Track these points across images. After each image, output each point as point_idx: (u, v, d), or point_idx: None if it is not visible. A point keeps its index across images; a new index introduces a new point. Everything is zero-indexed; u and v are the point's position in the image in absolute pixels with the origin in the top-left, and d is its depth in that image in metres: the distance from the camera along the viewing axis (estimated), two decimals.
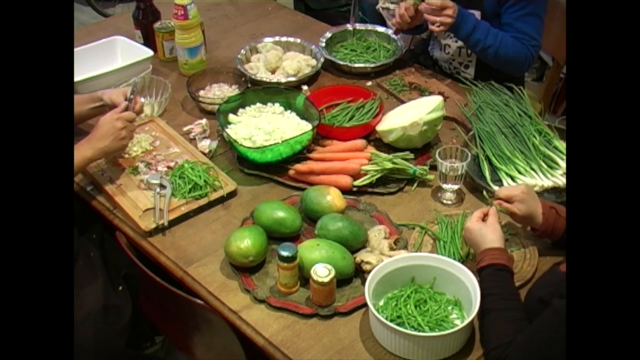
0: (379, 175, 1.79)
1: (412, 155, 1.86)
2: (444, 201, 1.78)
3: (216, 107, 1.97)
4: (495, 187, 1.74)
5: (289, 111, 2.01)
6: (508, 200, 1.54)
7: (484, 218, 1.52)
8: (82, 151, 1.69)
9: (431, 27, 2.12)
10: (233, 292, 1.53)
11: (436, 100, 1.92)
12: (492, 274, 1.41)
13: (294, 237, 1.65)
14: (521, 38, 2.14)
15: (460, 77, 2.28)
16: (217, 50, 2.46)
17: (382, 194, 1.80)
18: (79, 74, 2.04)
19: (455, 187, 1.76)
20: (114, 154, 1.80)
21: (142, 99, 2.13)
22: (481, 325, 1.37)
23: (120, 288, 1.86)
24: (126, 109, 1.78)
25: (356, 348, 1.41)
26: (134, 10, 2.40)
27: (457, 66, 2.34)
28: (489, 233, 1.47)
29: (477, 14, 2.17)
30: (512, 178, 1.79)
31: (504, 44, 2.12)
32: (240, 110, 2.01)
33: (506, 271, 1.41)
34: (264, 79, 2.20)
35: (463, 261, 1.55)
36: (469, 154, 1.76)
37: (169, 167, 1.84)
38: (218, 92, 2.18)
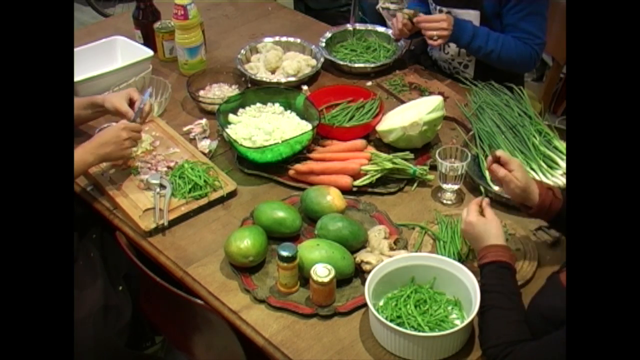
0: (379, 175, 1.79)
1: (412, 155, 1.86)
2: (444, 201, 1.78)
3: (216, 107, 1.97)
4: (496, 187, 1.74)
5: (289, 111, 2.01)
6: (506, 165, 1.50)
7: (481, 212, 1.50)
8: (84, 156, 1.69)
9: (429, 41, 2.15)
10: (233, 292, 1.53)
11: (436, 100, 1.92)
12: (496, 271, 1.40)
13: (294, 237, 1.65)
14: (526, 38, 2.14)
15: (460, 77, 2.28)
16: (217, 50, 2.46)
17: (382, 194, 1.80)
18: (79, 74, 2.03)
19: (455, 187, 1.76)
20: (115, 160, 1.80)
21: None
22: (481, 321, 1.37)
23: (120, 288, 1.86)
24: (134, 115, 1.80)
25: (356, 348, 1.41)
26: (134, 10, 2.40)
27: (456, 66, 2.35)
28: (492, 228, 1.45)
29: (476, 14, 2.17)
30: None
31: (506, 46, 2.13)
32: (240, 110, 2.01)
33: (509, 269, 1.41)
34: (264, 79, 2.20)
35: (463, 261, 1.55)
36: (469, 154, 1.76)
37: (169, 167, 1.84)
38: (218, 92, 2.18)
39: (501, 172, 1.49)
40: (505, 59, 2.14)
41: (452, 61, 2.34)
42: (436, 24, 2.12)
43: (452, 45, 2.30)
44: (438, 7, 2.25)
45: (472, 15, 2.18)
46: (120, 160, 1.82)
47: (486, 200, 1.51)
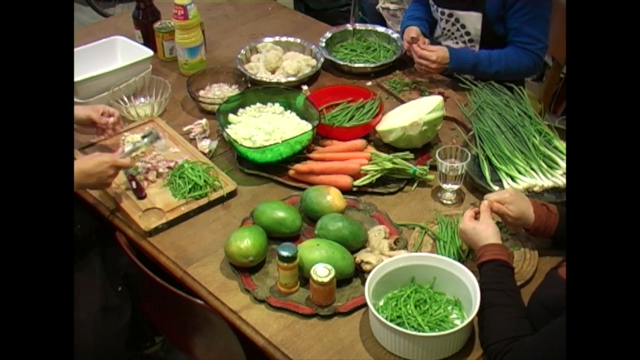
0: (379, 175, 1.79)
1: (412, 155, 1.86)
2: (444, 201, 1.78)
3: (216, 107, 1.97)
4: (496, 187, 1.74)
5: (289, 111, 2.01)
6: (501, 203, 1.54)
7: (476, 216, 1.52)
8: None
9: (418, 68, 2.18)
10: (233, 292, 1.53)
11: (436, 100, 1.92)
12: (494, 269, 1.41)
13: (294, 237, 1.65)
14: (528, 43, 2.14)
15: (460, 77, 2.28)
16: (217, 50, 2.47)
17: (382, 194, 1.80)
18: (79, 74, 2.03)
19: (455, 187, 1.76)
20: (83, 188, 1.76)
21: (142, 99, 2.14)
22: (481, 319, 1.37)
23: (120, 288, 1.86)
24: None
25: (356, 348, 1.41)
26: (134, 10, 2.40)
27: None
28: (482, 230, 1.47)
29: (478, 16, 2.17)
30: (512, 178, 1.79)
31: (510, 62, 2.15)
32: (240, 110, 2.01)
33: (507, 267, 1.42)
34: (264, 79, 2.20)
35: (463, 261, 1.55)
36: (469, 154, 1.76)
37: (169, 167, 1.84)
38: (218, 92, 2.18)
39: (495, 207, 1.54)
40: (510, 72, 2.18)
41: None
42: (425, 61, 2.15)
43: (453, 46, 2.30)
44: (439, 9, 2.25)
45: (474, 17, 2.18)
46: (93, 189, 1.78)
47: (484, 204, 1.52)
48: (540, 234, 1.57)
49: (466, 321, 1.35)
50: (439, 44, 2.35)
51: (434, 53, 2.14)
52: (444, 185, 1.76)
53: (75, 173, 1.61)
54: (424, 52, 2.16)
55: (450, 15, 2.23)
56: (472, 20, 2.18)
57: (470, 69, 2.15)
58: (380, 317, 1.35)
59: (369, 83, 2.27)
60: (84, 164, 1.65)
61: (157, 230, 1.68)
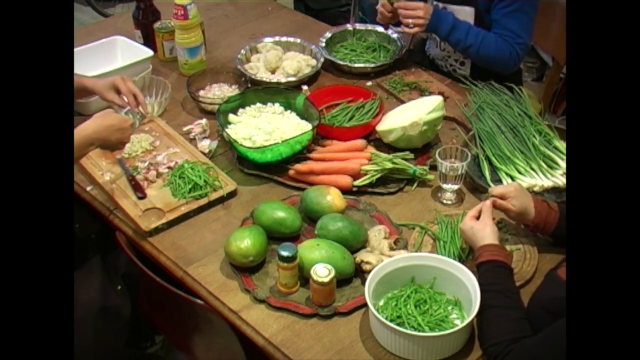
0: (379, 175, 1.79)
1: (412, 155, 1.86)
2: (444, 201, 1.78)
3: (216, 107, 1.97)
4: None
5: (289, 111, 2.01)
6: (502, 198, 1.55)
7: (479, 216, 1.53)
8: (86, 132, 1.60)
9: (404, 28, 2.16)
10: (233, 292, 1.53)
11: (436, 100, 1.92)
12: (492, 270, 1.41)
13: (294, 237, 1.65)
14: (507, 36, 2.14)
15: (457, 74, 2.28)
16: (217, 50, 2.47)
17: (382, 194, 1.80)
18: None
19: (455, 187, 1.76)
20: (107, 149, 1.74)
21: None
22: (480, 321, 1.37)
23: (119, 287, 1.86)
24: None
25: (356, 348, 1.41)
26: (134, 10, 2.40)
27: (452, 63, 2.35)
28: (479, 230, 1.48)
29: (471, 10, 2.18)
30: (512, 178, 1.79)
31: (486, 42, 2.13)
32: (240, 110, 2.01)
33: (505, 268, 1.42)
34: (264, 79, 2.20)
35: (463, 261, 1.55)
36: (469, 154, 1.76)
37: (169, 167, 1.84)
38: (218, 92, 2.18)
39: (497, 203, 1.55)
40: (483, 54, 2.16)
41: (449, 58, 2.35)
42: (412, 11, 2.14)
43: None
44: (434, 2, 2.25)
45: (467, 12, 2.18)
46: (111, 150, 1.76)
47: (487, 204, 1.53)
48: (540, 230, 1.57)
49: (466, 321, 1.35)
50: (435, 39, 2.36)
51: (421, 3, 2.15)
52: (444, 185, 1.76)
53: (98, 127, 1.61)
54: (412, 4, 2.16)
55: (444, 9, 2.23)
56: (465, 14, 2.18)
57: (447, 30, 2.14)
58: (380, 317, 1.35)
59: (369, 83, 2.27)
60: (106, 118, 1.64)
61: (157, 230, 1.68)
